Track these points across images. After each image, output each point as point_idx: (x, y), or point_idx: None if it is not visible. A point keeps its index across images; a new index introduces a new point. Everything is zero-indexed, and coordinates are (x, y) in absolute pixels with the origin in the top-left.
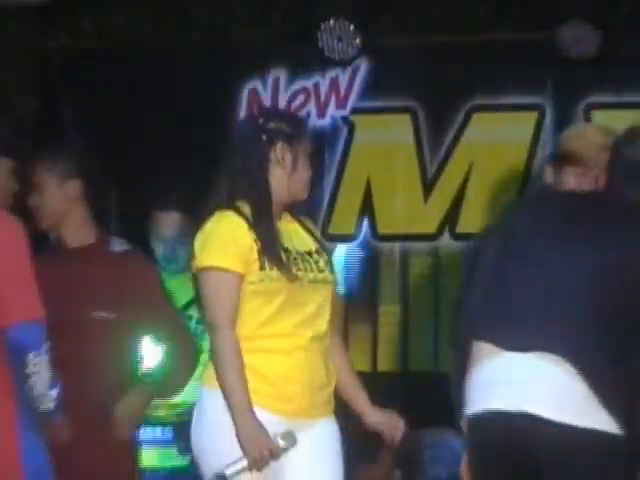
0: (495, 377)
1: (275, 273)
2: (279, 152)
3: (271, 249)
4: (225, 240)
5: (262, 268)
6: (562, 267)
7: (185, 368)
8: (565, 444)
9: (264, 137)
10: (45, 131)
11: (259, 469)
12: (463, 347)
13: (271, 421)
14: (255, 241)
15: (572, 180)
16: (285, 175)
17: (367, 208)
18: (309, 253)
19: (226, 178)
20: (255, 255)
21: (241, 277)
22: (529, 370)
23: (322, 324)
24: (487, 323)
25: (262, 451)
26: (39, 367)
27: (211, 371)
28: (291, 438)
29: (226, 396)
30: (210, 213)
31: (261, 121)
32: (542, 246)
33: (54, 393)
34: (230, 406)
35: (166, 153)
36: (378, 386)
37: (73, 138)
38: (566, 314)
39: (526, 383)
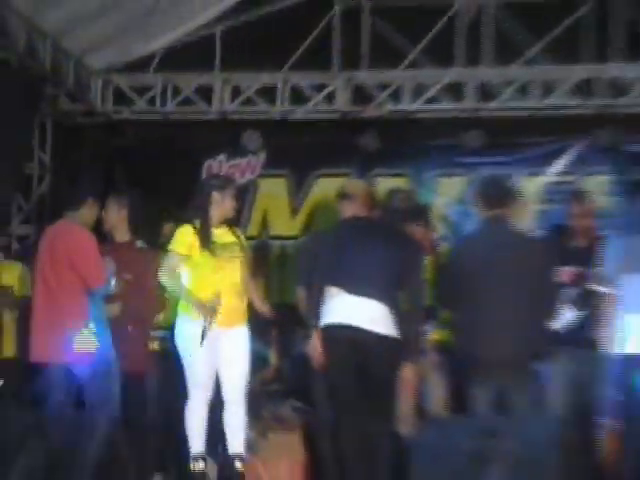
0: (339, 306)
1: (206, 253)
2: (214, 196)
3: (204, 242)
4: (179, 237)
5: (201, 250)
6: (369, 255)
7: None
8: (377, 343)
9: (207, 189)
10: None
11: (210, 321)
12: (318, 290)
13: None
14: (196, 237)
15: (349, 209)
16: (217, 207)
17: (265, 223)
18: (230, 244)
19: (191, 209)
20: (196, 244)
21: (183, 255)
22: (357, 303)
23: (236, 277)
24: (337, 277)
25: (208, 310)
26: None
27: (184, 304)
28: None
29: (195, 307)
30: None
31: (206, 181)
32: (355, 244)
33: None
34: (195, 307)
35: (163, 201)
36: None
37: (123, 187)
38: (374, 279)
39: (355, 309)
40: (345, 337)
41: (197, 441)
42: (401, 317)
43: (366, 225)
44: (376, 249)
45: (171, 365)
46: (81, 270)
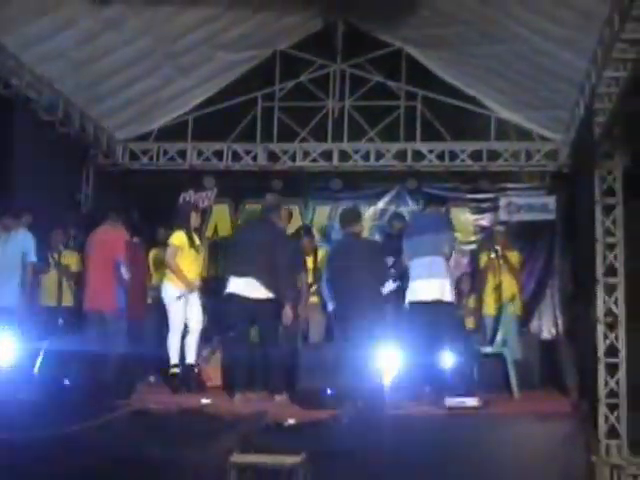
0: (239, 281)
1: (190, 248)
2: (192, 214)
3: (190, 242)
4: (176, 237)
5: (188, 246)
6: (252, 242)
7: None
8: (259, 305)
9: (186, 209)
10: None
11: (189, 289)
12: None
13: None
14: (185, 238)
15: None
16: (193, 221)
17: (216, 230)
18: (198, 245)
19: (176, 221)
20: (186, 242)
21: (178, 247)
22: (247, 280)
23: (200, 262)
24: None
25: (188, 283)
26: (124, 270)
27: (171, 276)
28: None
29: (181, 280)
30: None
31: (185, 205)
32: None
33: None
34: (181, 280)
35: (158, 215)
36: None
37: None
38: (255, 259)
39: (247, 284)
40: (241, 302)
41: (174, 356)
42: (277, 280)
43: (261, 226)
44: (261, 240)
45: (160, 311)
46: (116, 252)
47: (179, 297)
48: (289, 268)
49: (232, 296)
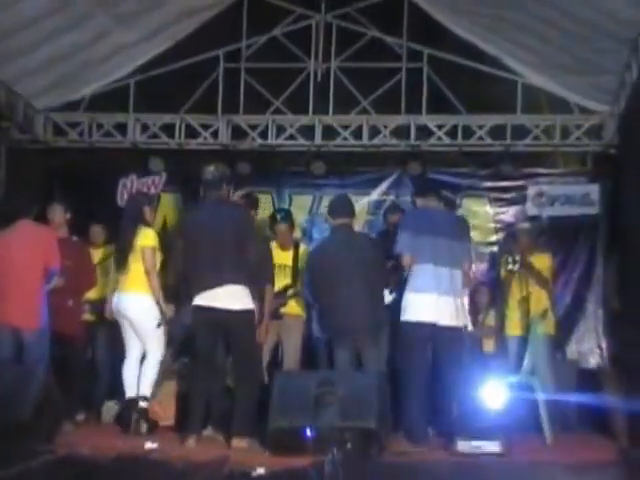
0: (207, 293)
1: (160, 251)
2: (145, 209)
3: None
4: (151, 237)
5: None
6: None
7: None
8: (234, 316)
9: (140, 202)
10: None
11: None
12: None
13: None
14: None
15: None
16: (148, 217)
17: (165, 224)
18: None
19: (128, 217)
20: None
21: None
22: (216, 292)
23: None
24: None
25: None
26: (55, 280)
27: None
28: None
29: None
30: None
31: (141, 196)
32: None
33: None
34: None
35: (88, 207)
36: None
37: (60, 197)
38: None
39: (217, 295)
40: (211, 315)
41: (130, 387)
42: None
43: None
44: (226, 230)
45: (106, 330)
46: (47, 256)
47: (159, 324)
48: (260, 266)
49: (197, 309)
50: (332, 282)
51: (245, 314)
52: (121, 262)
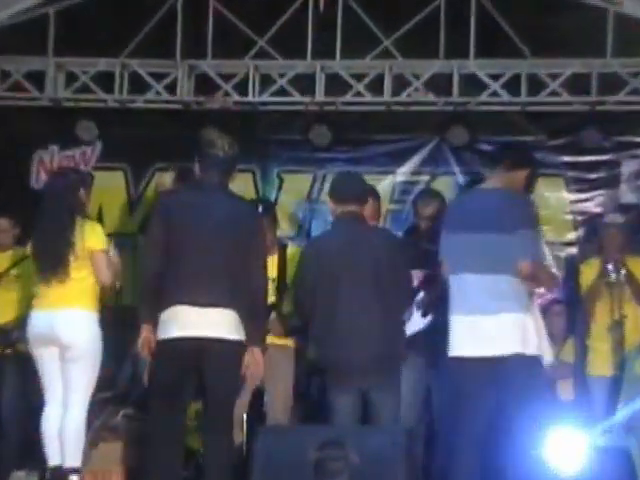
0: (182, 313)
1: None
2: (82, 194)
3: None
4: (100, 231)
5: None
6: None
7: None
8: (218, 347)
9: (72, 182)
10: None
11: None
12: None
13: None
14: None
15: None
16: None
17: (100, 218)
18: None
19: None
20: None
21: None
22: (199, 315)
23: None
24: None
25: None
26: None
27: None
28: None
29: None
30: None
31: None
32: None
33: None
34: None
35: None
36: None
37: None
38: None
39: (198, 317)
40: (190, 347)
41: (53, 450)
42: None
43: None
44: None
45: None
46: None
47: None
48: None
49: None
50: (331, 297)
51: (234, 346)
52: (47, 269)
